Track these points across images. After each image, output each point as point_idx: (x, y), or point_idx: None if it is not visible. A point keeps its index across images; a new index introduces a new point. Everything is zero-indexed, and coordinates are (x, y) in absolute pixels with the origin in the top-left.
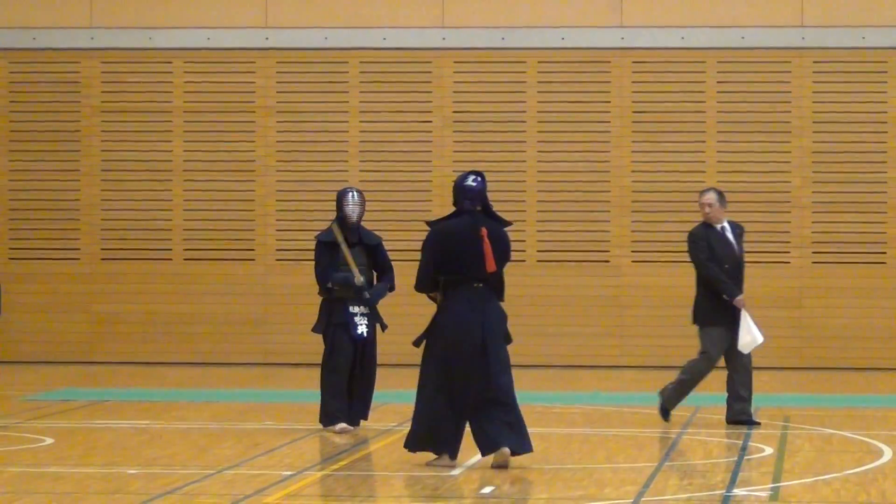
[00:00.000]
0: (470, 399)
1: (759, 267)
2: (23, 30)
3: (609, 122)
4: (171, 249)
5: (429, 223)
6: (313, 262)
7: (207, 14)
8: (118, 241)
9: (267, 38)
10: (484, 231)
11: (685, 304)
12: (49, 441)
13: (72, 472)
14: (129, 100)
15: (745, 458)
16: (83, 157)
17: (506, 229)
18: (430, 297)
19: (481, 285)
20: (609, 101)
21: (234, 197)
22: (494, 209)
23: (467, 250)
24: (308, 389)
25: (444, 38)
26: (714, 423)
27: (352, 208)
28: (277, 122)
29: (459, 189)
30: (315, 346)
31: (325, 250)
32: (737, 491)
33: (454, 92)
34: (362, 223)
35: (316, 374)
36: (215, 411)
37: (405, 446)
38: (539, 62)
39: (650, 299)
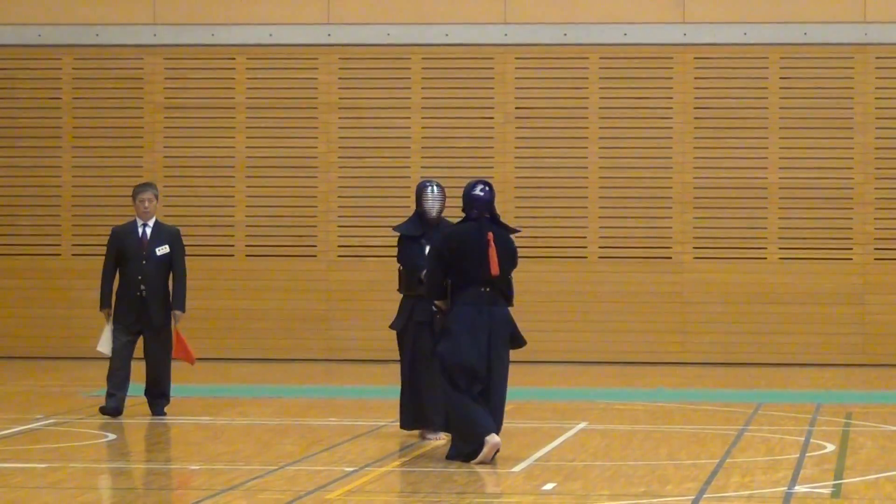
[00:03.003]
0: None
1: (821, 263)
2: (86, 26)
3: (671, 117)
4: (233, 246)
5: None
6: (396, 258)
7: (270, 10)
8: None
9: (329, 35)
10: (490, 235)
11: (747, 301)
12: (112, 437)
13: (135, 468)
14: (192, 96)
15: (807, 454)
16: (146, 154)
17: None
18: (436, 307)
19: (488, 289)
20: (671, 97)
21: (297, 193)
22: (502, 217)
23: (473, 254)
24: (371, 385)
25: (506, 34)
26: (776, 420)
27: (431, 203)
28: (340, 118)
29: (468, 198)
30: (377, 342)
31: (411, 244)
32: (798, 488)
33: (516, 88)
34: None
35: (379, 370)
36: (278, 407)
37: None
38: (601, 58)
39: (712, 295)
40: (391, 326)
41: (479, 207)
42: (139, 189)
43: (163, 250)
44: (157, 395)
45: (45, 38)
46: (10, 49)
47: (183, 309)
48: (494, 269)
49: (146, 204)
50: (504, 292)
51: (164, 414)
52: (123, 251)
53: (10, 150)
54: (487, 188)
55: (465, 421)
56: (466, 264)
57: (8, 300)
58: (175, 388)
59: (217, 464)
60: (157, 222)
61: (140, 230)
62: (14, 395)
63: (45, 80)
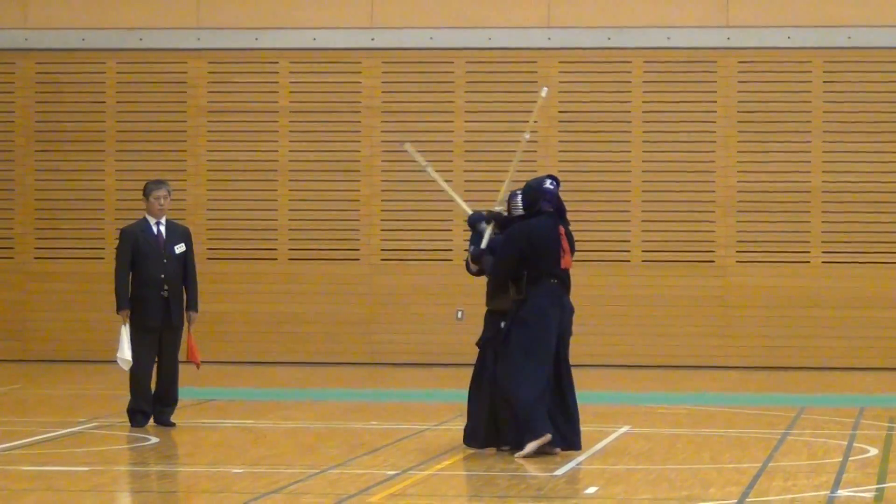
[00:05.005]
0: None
1: (865, 267)
2: (130, 30)
3: (715, 121)
4: (276, 249)
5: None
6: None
7: (313, 14)
8: (224, 241)
9: (373, 39)
10: (562, 230)
11: (790, 304)
12: (155, 440)
13: (178, 471)
14: (236, 100)
15: (850, 458)
16: (189, 158)
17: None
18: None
19: (556, 281)
20: (715, 101)
21: (340, 197)
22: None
23: (548, 247)
24: (413, 389)
25: (549, 38)
26: (819, 424)
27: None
28: (383, 122)
29: (538, 191)
30: (420, 345)
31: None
32: (841, 492)
33: (559, 92)
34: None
35: (419, 373)
36: (320, 411)
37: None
38: (645, 62)
39: (755, 299)
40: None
41: (549, 200)
42: (154, 186)
43: (180, 248)
44: (168, 403)
45: (88, 43)
46: (55, 53)
47: (198, 309)
48: (567, 263)
49: (162, 201)
50: (566, 283)
51: (174, 424)
52: (140, 251)
53: (55, 153)
54: (556, 182)
55: (527, 416)
56: (541, 258)
57: (52, 304)
58: (218, 391)
59: (259, 467)
60: (168, 220)
61: (155, 229)
62: (57, 398)
63: (89, 84)
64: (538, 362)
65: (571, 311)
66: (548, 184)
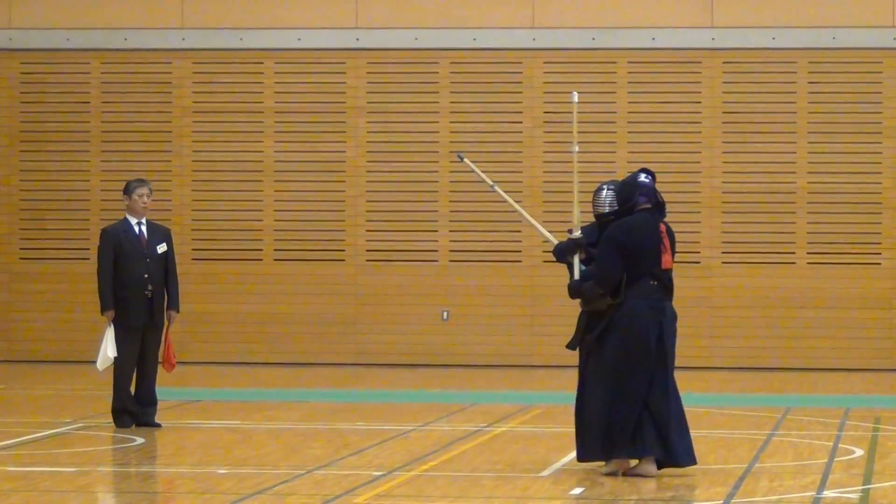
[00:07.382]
0: (642, 398)
1: (849, 268)
2: (114, 30)
3: (700, 122)
4: (261, 250)
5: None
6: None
7: (298, 14)
8: (209, 241)
9: (358, 39)
10: (662, 227)
11: (775, 305)
12: (140, 441)
13: (162, 472)
14: (221, 100)
15: (836, 459)
16: (174, 158)
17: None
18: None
19: (656, 283)
20: (699, 102)
21: (325, 197)
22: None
23: (648, 246)
24: (399, 389)
25: (534, 39)
26: (804, 425)
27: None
28: (368, 122)
29: (633, 186)
30: (405, 346)
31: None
32: (827, 493)
33: (545, 93)
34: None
35: (405, 373)
36: (306, 411)
37: (580, 459)
38: (629, 63)
39: (740, 300)
40: (568, 346)
41: (646, 194)
42: (138, 184)
43: (162, 248)
44: (150, 403)
45: (73, 43)
46: (39, 53)
47: (179, 309)
48: (668, 262)
49: (145, 199)
50: (668, 286)
51: (159, 425)
52: (123, 251)
53: (39, 154)
54: (651, 175)
55: (620, 431)
56: (641, 256)
57: (37, 304)
58: (204, 391)
59: (245, 468)
60: (148, 221)
61: (136, 228)
62: (43, 398)
63: (74, 84)
64: (632, 374)
65: (674, 316)
66: (643, 177)
